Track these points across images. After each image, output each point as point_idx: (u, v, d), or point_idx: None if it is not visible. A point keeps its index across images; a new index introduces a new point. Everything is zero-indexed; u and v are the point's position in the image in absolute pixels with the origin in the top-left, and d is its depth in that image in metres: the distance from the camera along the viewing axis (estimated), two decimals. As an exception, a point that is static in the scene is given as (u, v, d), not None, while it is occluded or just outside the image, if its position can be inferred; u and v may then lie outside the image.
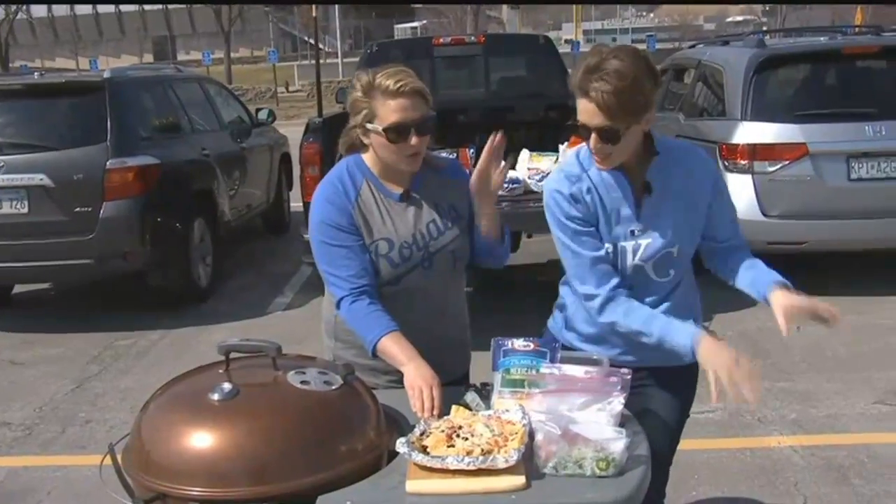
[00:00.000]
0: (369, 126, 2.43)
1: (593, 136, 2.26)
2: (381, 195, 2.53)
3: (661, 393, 2.48)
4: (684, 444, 4.26)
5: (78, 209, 6.28)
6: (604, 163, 2.33)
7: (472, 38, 7.87)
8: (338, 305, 2.49)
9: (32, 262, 6.39)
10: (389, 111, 2.39)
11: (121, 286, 7.42)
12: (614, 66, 2.19)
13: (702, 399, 4.72)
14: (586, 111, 2.24)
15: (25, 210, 6.32)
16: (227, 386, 2.08)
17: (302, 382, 2.13)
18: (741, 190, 6.58)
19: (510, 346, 2.32)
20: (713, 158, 2.61)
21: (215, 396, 2.06)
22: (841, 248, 6.90)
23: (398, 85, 2.37)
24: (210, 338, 6.29)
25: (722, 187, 2.47)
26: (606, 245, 2.40)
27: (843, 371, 5.24)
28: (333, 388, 2.15)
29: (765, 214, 6.55)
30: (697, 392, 4.85)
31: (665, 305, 2.45)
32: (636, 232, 2.39)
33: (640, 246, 2.39)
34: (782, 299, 2.35)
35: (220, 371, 2.20)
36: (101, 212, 6.28)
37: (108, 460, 2.16)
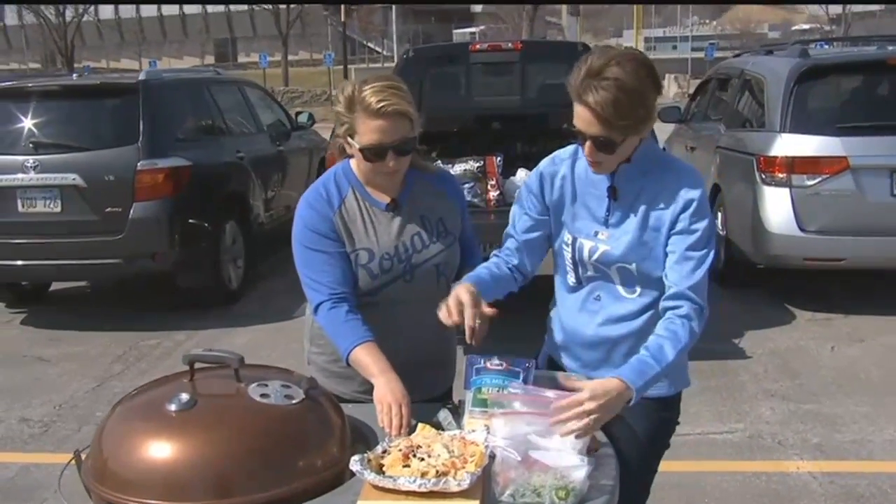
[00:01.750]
0: (349, 140, 2.39)
1: (588, 143, 2.19)
2: (367, 204, 2.48)
3: (627, 423, 2.29)
4: (696, 466, 4.20)
5: (109, 209, 6.36)
6: (597, 169, 2.26)
7: (509, 44, 7.76)
8: (315, 311, 2.45)
9: (64, 260, 6.48)
10: (368, 130, 2.33)
11: (152, 286, 7.50)
12: (616, 74, 2.09)
13: (721, 419, 4.68)
14: (583, 119, 2.15)
15: (58, 209, 6.42)
16: (184, 396, 2.04)
17: (262, 396, 2.08)
18: (778, 204, 6.42)
19: (483, 364, 2.25)
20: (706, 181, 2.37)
21: (172, 407, 2.02)
22: (881, 265, 6.69)
23: (380, 105, 2.29)
24: (234, 340, 6.32)
25: (693, 222, 2.21)
26: (566, 234, 2.35)
27: (874, 394, 5.04)
28: (294, 402, 2.09)
29: (802, 229, 6.36)
30: (719, 411, 4.78)
31: (629, 326, 2.33)
32: (598, 234, 2.30)
33: (598, 249, 2.30)
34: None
35: (185, 381, 2.17)
36: (131, 212, 6.35)
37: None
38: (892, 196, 6.26)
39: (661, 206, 2.24)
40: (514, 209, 2.47)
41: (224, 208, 7.23)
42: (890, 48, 7.42)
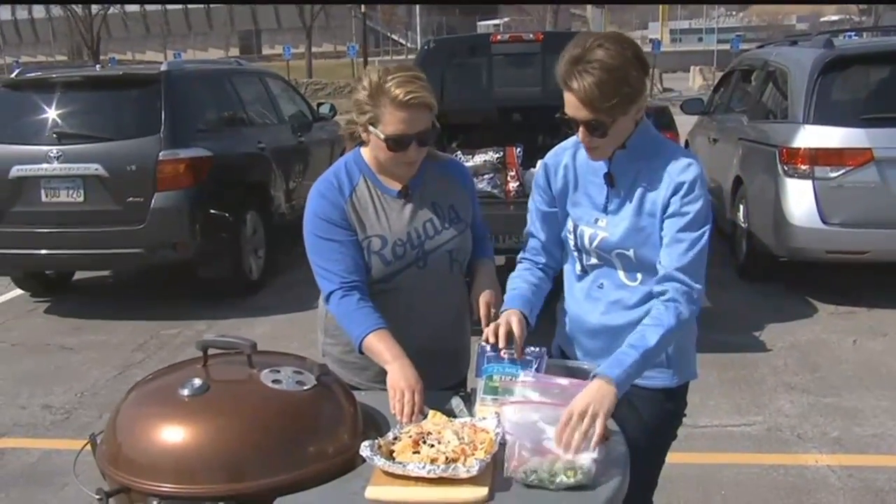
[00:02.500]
0: (371, 129, 2.38)
1: (581, 129, 2.19)
2: (378, 191, 2.49)
3: (632, 412, 2.29)
4: (712, 458, 4.18)
5: (131, 199, 6.41)
6: (593, 154, 2.27)
7: (531, 35, 7.73)
8: (327, 300, 2.45)
9: (86, 249, 6.53)
10: (394, 121, 2.33)
11: (174, 276, 7.55)
12: (598, 57, 2.11)
13: (740, 411, 4.65)
14: (571, 104, 2.16)
15: (81, 199, 6.47)
16: (197, 381, 2.06)
17: (274, 381, 2.10)
18: (801, 196, 6.36)
19: (495, 352, 2.25)
20: (697, 167, 2.32)
21: (185, 392, 2.04)
22: (906, 259, 6.60)
23: (408, 97, 2.30)
24: (254, 330, 6.35)
25: (685, 204, 2.20)
26: (570, 222, 2.37)
27: (895, 389, 4.99)
28: (305, 388, 2.11)
29: (825, 222, 6.30)
30: (737, 403, 4.75)
31: (631, 315, 2.31)
32: (598, 221, 2.31)
33: (598, 236, 2.31)
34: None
35: (198, 366, 2.19)
36: (153, 202, 6.39)
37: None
38: (917, 189, 6.19)
39: (656, 190, 2.24)
40: (529, 206, 2.51)
41: (245, 199, 7.27)
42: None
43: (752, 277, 7.07)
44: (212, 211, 6.75)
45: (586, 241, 2.34)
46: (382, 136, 2.35)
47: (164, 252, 6.51)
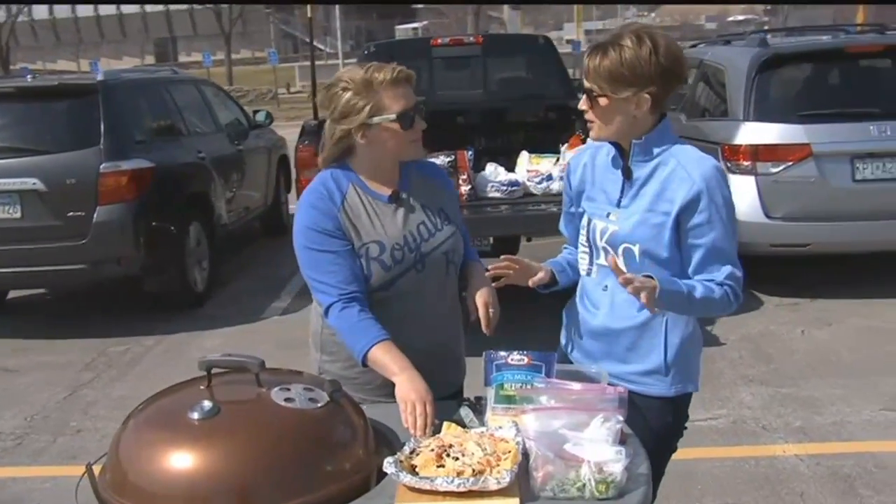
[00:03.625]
0: (376, 120, 2.35)
1: (584, 97, 2.31)
2: (369, 197, 2.46)
3: (637, 419, 2.26)
4: (686, 454, 4.18)
5: (71, 213, 6.20)
6: (592, 131, 2.34)
7: (471, 38, 7.76)
8: (326, 313, 2.40)
9: (26, 267, 6.31)
10: (395, 99, 2.35)
11: (116, 292, 7.33)
12: (623, 41, 2.21)
13: (704, 405, 4.72)
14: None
15: (18, 215, 6.24)
16: (207, 404, 1.98)
17: (286, 400, 2.04)
18: (744, 191, 6.49)
19: (503, 360, 2.23)
20: (717, 164, 2.37)
21: (195, 415, 1.96)
22: (846, 250, 6.80)
23: (397, 73, 2.35)
24: (205, 343, 6.22)
25: (704, 209, 2.21)
26: (585, 217, 2.44)
27: (847, 377, 5.14)
28: (319, 405, 2.05)
29: (768, 216, 6.45)
30: (701, 398, 4.82)
31: (633, 319, 2.36)
32: (610, 215, 2.35)
33: (608, 230, 2.35)
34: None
35: (202, 387, 2.11)
36: (95, 216, 6.19)
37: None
38: (854, 181, 6.38)
39: (671, 187, 2.26)
40: (563, 210, 2.63)
41: (188, 210, 7.09)
42: (846, 36, 7.56)
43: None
44: (155, 223, 6.57)
45: (598, 236, 2.37)
46: (394, 117, 2.35)
47: (108, 267, 6.32)
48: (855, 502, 3.75)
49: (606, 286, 2.39)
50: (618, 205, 2.34)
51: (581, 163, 2.47)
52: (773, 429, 4.49)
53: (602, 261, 2.38)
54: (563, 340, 2.58)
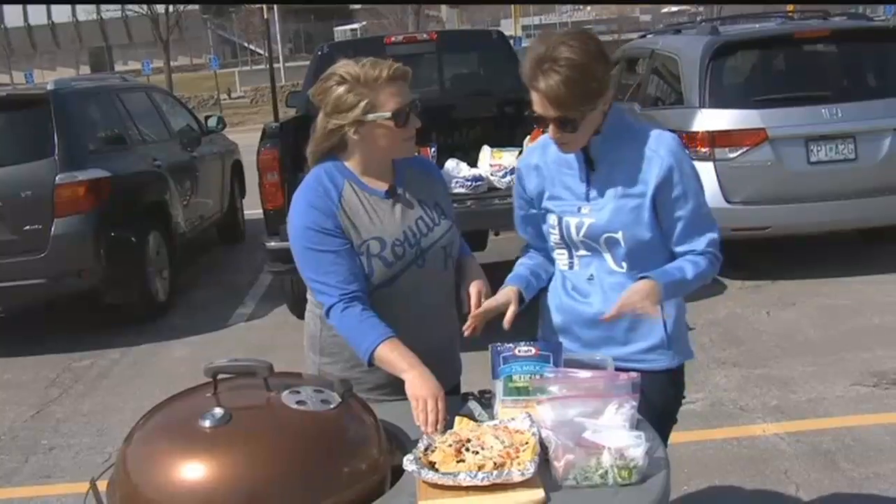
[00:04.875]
0: (371, 117, 2.32)
1: (551, 126, 2.24)
2: (365, 193, 2.42)
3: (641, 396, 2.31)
4: (669, 439, 4.25)
5: (27, 227, 6.04)
6: (566, 148, 2.32)
7: (425, 35, 7.74)
8: (327, 314, 2.36)
9: (-18, 283, 6.12)
10: (391, 96, 2.32)
11: (75, 305, 7.15)
12: (563, 54, 2.15)
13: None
14: (539, 103, 2.22)
15: (-28, 230, 6.06)
16: (218, 411, 1.94)
17: (298, 402, 2.00)
18: (703, 177, 6.46)
19: (511, 351, 2.21)
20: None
21: (206, 423, 1.92)
22: (804, 231, 6.94)
23: (393, 69, 2.32)
24: (172, 354, 6.12)
25: (678, 182, 2.27)
26: (552, 217, 2.41)
27: (816, 354, 5.24)
28: (332, 406, 2.02)
29: (728, 201, 6.54)
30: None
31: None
32: (581, 209, 2.35)
33: (584, 224, 2.34)
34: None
35: (209, 395, 2.06)
36: (53, 229, 6.05)
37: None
38: (809, 164, 6.51)
39: (641, 169, 2.28)
40: (514, 214, 2.58)
41: (146, 219, 6.96)
42: (793, 22, 7.71)
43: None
44: (114, 234, 6.43)
45: (573, 232, 2.36)
46: (389, 115, 2.31)
47: (68, 280, 6.17)
48: (838, 476, 3.82)
49: (592, 276, 2.40)
50: (587, 198, 2.34)
51: (532, 164, 2.44)
52: (750, 409, 4.56)
53: (582, 252, 2.39)
54: (544, 334, 2.56)
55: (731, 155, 6.53)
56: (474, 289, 2.46)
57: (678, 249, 2.34)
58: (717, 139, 6.55)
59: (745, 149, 6.51)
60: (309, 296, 2.55)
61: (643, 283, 2.24)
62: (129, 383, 5.56)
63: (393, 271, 2.39)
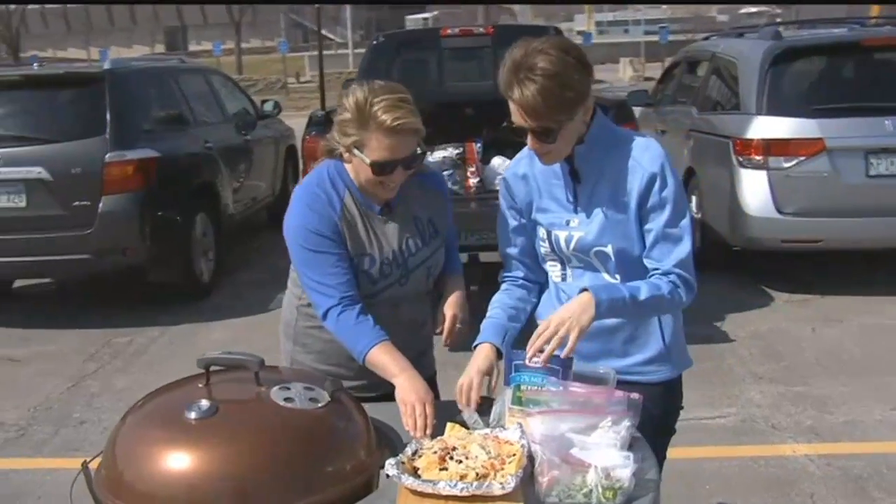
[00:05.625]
0: (356, 153, 2.30)
1: (529, 137, 2.17)
2: (364, 208, 2.41)
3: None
4: (693, 453, 4.17)
5: (76, 203, 6.17)
6: (546, 159, 2.24)
7: (481, 29, 7.67)
8: (324, 316, 2.35)
9: (30, 256, 6.29)
10: (380, 147, 2.25)
11: (122, 281, 7.30)
12: (539, 64, 2.08)
13: (713, 403, 4.67)
14: (516, 114, 2.15)
15: (24, 204, 6.21)
16: (204, 403, 1.94)
17: (286, 399, 1.99)
18: (755, 186, 6.43)
19: (522, 360, 2.17)
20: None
21: (192, 414, 1.92)
22: (858, 246, 6.74)
23: (396, 123, 2.22)
24: (210, 335, 6.19)
25: (656, 192, 2.19)
26: (541, 230, 2.34)
27: (858, 375, 5.07)
28: (319, 405, 2.00)
29: (780, 211, 6.38)
30: (709, 396, 4.77)
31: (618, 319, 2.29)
32: (569, 222, 2.28)
33: (573, 238, 2.27)
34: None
35: (200, 385, 2.06)
36: (100, 206, 6.16)
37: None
38: (868, 177, 6.30)
39: (626, 181, 2.21)
40: (498, 224, 2.48)
41: (194, 200, 7.05)
42: (862, 29, 7.46)
43: (708, 268, 7.11)
44: (161, 213, 6.53)
45: (563, 245, 2.31)
46: (368, 161, 2.27)
47: (113, 257, 6.28)
48: (867, 504, 3.69)
49: (586, 289, 2.33)
50: (574, 210, 2.27)
51: (519, 174, 2.36)
52: (782, 428, 4.43)
53: (575, 264, 2.32)
54: None
55: (786, 164, 6.36)
56: (450, 312, 2.46)
57: (646, 264, 2.25)
58: (772, 147, 6.39)
59: (800, 158, 6.33)
60: (290, 283, 2.59)
61: (575, 299, 2.15)
62: (165, 362, 5.64)
63: (376, 288, 2.41)
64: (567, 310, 2.11)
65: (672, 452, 4.00)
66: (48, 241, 6.17)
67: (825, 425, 4.44)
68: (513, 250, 2.46)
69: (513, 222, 2.42)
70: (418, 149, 2.33)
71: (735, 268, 7.12)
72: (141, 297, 7.08)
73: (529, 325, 2.43)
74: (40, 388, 5.38)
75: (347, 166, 2.41)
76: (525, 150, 2.35)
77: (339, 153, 2.38)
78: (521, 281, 2.47)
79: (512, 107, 2.15)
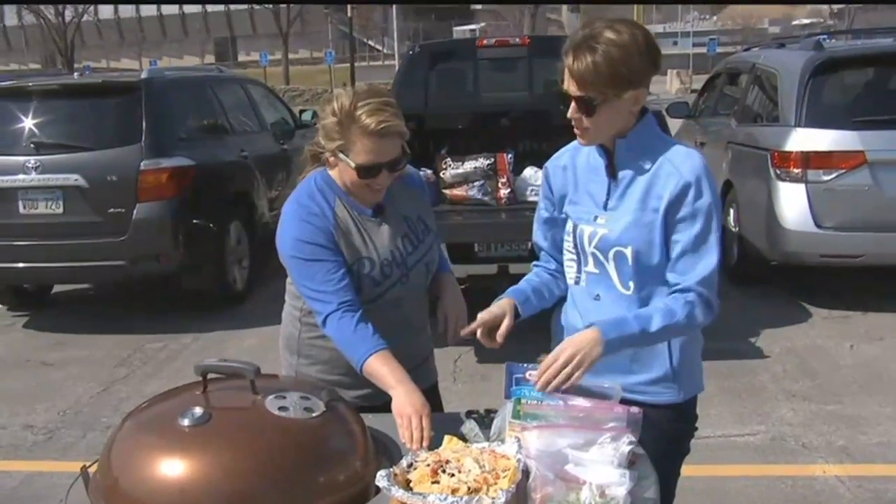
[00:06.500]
0: (341, 156, 2.30)
1: (572, 105, 2.14)
2: (355, 212, 2.42)
3: (647, 430, 2.08)
4: (719, 471, 4.08)
5: (112, 210, 6.26)
6: (582, 137, 2.20)
7: (517, 39, 7.63)
8: (324, 322, 2.35)
9: (66, 262, 6.38)
10: (364, 150, 2.27)
11: (156, 288, 7.38)
12: (604, 36, 2.07)
13: (742, 420, 4.56)
14: (567, 79, 2.12)
15: (60, 210, 6.31)
16: (198, 410, 1.92)
17: (280, 409, 1.97)
18: (794, 200, 6.30)
19: (522, 374, 2.14)
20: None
21: (185, 421, 1.91)
22: (900, 262, 6.55)
23: (380, 126, 2.24)
24: (242, 343, 6.21)
25: (689, 203, 2.12)
26: (569, 223, 2.32)
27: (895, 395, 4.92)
28: (314, 415, 1.98)
29: (819, 226, 6.24)
30: (739, 413, 4.67)
31: None
32: (597, 218, 2.24)
33: (597, 234, 2.23)
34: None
35: (198, 393, 2.06)
36: (135, 213, 6.24)
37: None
38: (911, 191, 6.14)
39: (660, 185, 2.16)
40: (535, 214, 2.48)
41: (228, 208, 7.13)
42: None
43: (744, 282, 7.00)
44: (195, 221, 6.60)
45: (585, 241, 2.26)
46: (353, 165, 2.29)
47: (146, 264, 6.36)
48: (897, 529, 3.57)
49: (598, 295, 2.28)
50: (605, 207, 2.23)
51: (560, 165, 2.35)
52: (813, 447, 4.31)
53: (591, 268, 2.28)
54: None
55: (826, 178, 6.22)
56: (451, 312, 2.47)
57: (669, 278, 2.19)
58: (812, 160, 6.25)
59: (841, 171, 6.19)
60: (287, 297, 2.62)
61: (584, 334, 2.08)
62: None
63: (380, 290, 2.41)
64: (576, 345, 2.05)
65: (697, 470, 3.95)
66: (83, 247, 6.27)
67: (858, 446, 4.32)
68: (544, 242, 2.46)
69: (546, 214, 2.42)
70: (403, 151, 2.34)
71: (773, 283, 6.99)
72: (176, 304, 7.16)
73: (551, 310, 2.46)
74: (71, 392, 5.45)
75: (332, 171, 2.41)
76: (571, 144, 2.34)
77: (325, 158, 2.38)
78: (551, 270, 2.46)
79: (566, 73, 2.13)
